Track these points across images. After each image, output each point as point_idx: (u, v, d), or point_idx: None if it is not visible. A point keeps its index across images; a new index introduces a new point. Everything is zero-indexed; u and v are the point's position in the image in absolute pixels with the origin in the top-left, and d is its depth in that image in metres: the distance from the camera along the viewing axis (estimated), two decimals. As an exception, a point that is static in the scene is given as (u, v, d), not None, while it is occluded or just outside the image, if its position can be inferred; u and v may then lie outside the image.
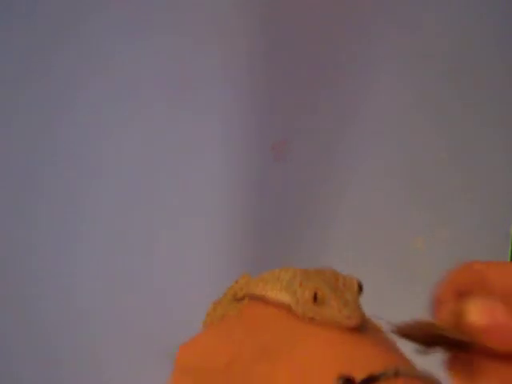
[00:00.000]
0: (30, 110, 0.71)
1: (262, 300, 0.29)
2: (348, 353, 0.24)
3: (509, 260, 0.72)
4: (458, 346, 0.25)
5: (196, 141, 0.72)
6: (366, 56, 0.74)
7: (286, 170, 0.74)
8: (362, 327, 0.27)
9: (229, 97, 0.72)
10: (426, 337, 0.25)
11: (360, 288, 0.27)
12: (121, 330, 0.70)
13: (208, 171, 0.73)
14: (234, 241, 0.72)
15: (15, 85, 0.70)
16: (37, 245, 0.71)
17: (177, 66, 0.72)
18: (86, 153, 0.72)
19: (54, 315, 0.70)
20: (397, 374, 0.22)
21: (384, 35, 0.74)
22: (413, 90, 0.75)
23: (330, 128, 0.74)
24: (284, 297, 0.28)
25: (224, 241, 0.72)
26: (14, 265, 0.70)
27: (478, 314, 0.25)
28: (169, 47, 0.72)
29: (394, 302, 0.68)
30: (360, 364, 0.23)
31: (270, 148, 0.73)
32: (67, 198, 0.71)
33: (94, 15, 0.71)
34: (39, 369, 0.70)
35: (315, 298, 0.26)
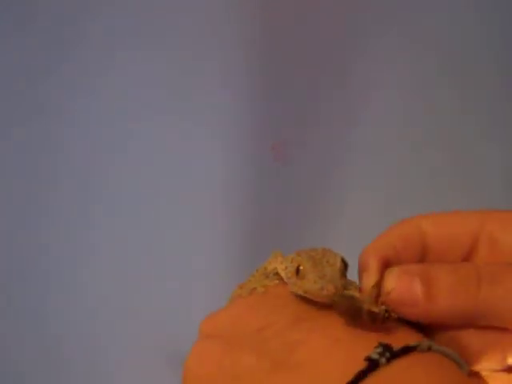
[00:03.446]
0: (30, 115, 0.71)
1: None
2: (383, 325, 0.25)
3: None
4: (375, 319, 0.26)
5: (196, 141, 0.73)
6: (366, 57, 0.74)
7: (286, 169, 0.74)
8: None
9: (229, 96, 0.72)
10: (349, 309, 0.26)
11: (345, 265, 0.30)
12: (128, 331, 0.70)
13: (208, 171, 0.73)
14: (234, 241, 0.72)
15: (13, 94, 0.71)
16: (44, 244, 0.71)
17: (177, 67, 0.72)
18: (87, 153, 0.72)
19: (62, 315, 0.70)
20: (430, 348, 0.24)
21: (384, 36, 0.74)
22: (413, 90, 0.75)
23: (331, 127, 0.74)
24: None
25: (224, 241, 0.72)
26: (22, 265, 0.71)
27: (391, 286, 0.26)
28: (168, 48, 0.72)
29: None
30: (395, 336, 0.25)
31: (269, 148, 0.73)
32: (74, 199, 0.72)
33: (94, 19, 0.71)
34: (46, 368, 0.70)
35: (297, 271, 0.29)
